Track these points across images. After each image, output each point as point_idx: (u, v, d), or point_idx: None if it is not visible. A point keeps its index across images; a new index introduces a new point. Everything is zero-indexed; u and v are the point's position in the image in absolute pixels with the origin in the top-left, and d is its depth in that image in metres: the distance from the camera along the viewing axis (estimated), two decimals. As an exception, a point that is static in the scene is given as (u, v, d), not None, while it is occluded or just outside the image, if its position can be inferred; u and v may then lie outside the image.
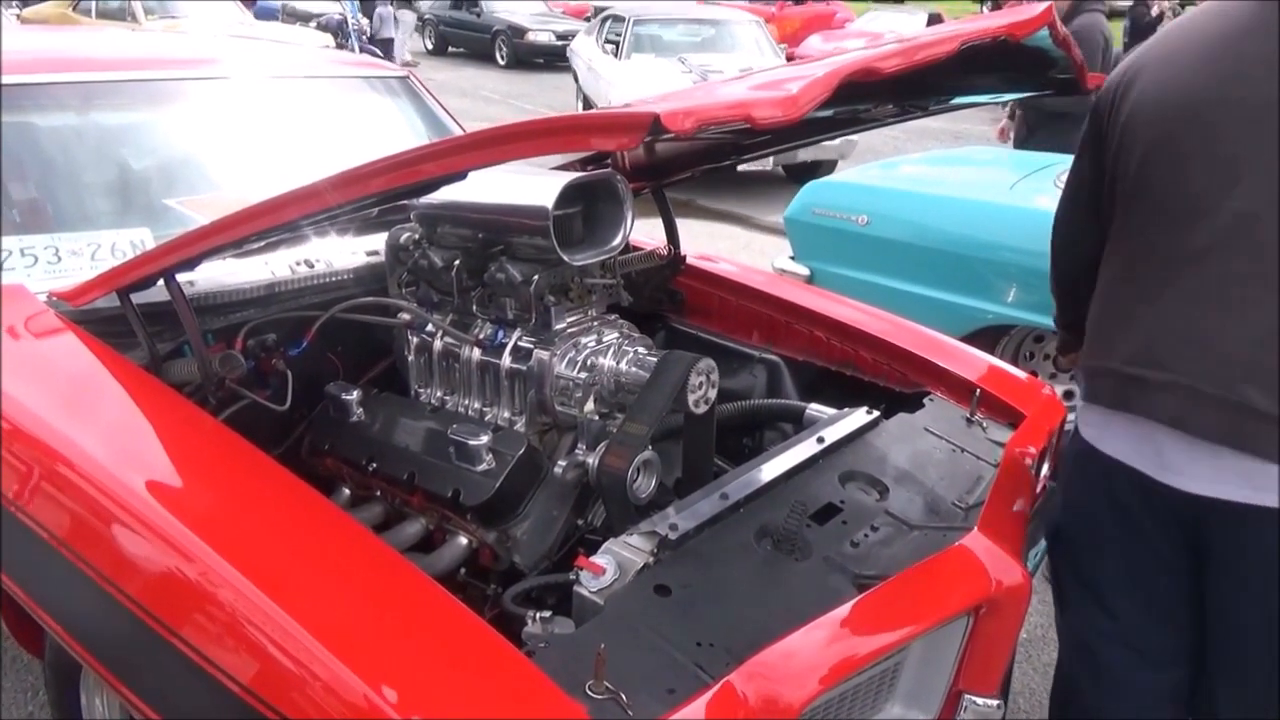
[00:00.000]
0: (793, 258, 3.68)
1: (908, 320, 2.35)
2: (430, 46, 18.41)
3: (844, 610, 1.34)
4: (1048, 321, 3.12)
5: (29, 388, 1.59)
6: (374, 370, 2.13)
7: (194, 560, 1.23)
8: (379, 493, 1.88)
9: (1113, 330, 1.51)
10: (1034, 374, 3.41)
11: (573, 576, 1.39)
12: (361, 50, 12.48)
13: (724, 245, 5.91)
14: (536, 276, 1.80)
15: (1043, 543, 2.10)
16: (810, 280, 3.55)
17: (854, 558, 1.49)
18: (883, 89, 1.50)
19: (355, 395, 1.93)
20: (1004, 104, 4.73)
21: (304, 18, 14.89)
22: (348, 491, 1.95)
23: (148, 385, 1.62)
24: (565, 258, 1.72)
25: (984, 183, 3.51)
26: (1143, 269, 1.47)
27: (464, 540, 1.76)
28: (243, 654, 1.15)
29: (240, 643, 1.16)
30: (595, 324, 1.90)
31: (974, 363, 2.18)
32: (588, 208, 1.86)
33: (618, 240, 1.85)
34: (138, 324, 1.68)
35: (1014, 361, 3.38)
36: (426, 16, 18.25)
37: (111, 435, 1.51)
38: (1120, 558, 1.56)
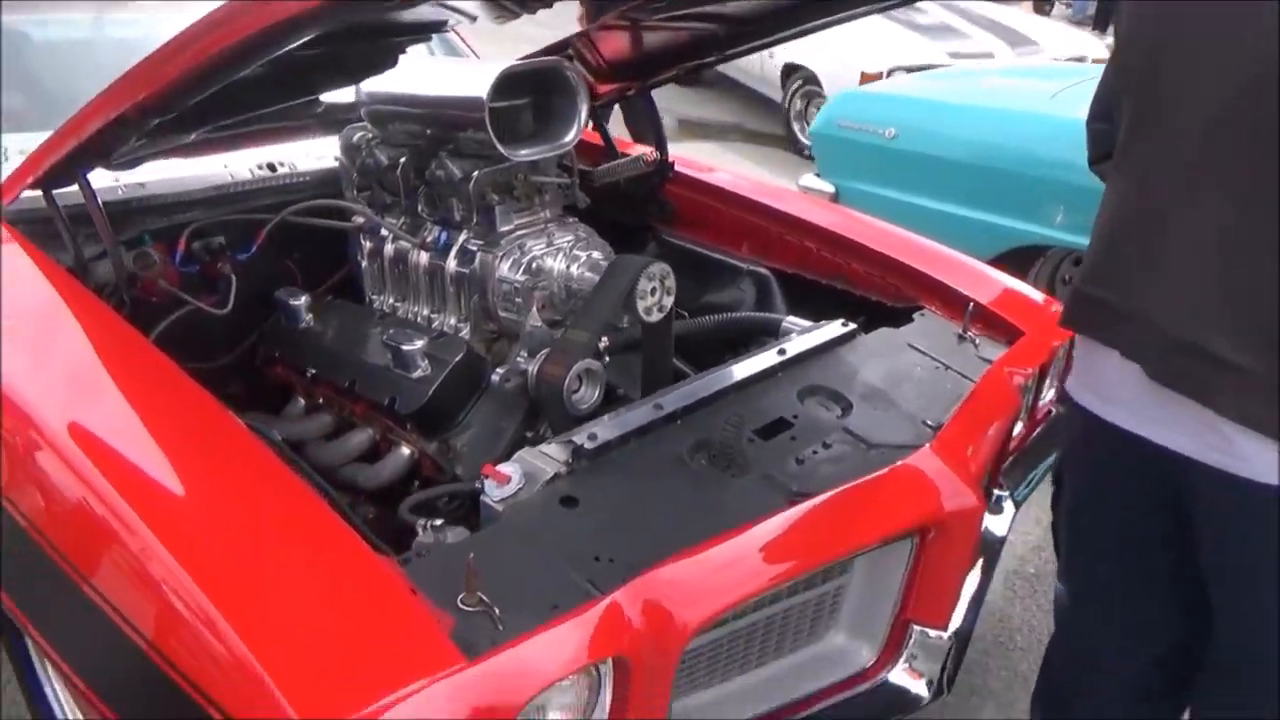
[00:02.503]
0: (818, 174, 3.48)
1: (913, 234, 2.18)
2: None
3: (761, 526, 1.21)
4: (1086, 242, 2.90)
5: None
6: (332, 279, 2.05)
7: (94, 497, 1.12)
8: (325, 402, 1.81)
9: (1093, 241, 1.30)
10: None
11: (478, 485, 1.30)
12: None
13: (771, 171, 5.67)
14: (477, 173, 1.68)
15: (1039, 471, 1.94)
16: (835, 198, 3.35)
17: (796, 475, 1.36)
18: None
19: (303, 301, 1.86)
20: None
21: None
22: (302, 402, 1.89)
23: (71, 289, 1.55)
24: (505, 152, 1.60)
25: (1022, 92, 3.24)
26: (1119, 173, 1.25)
27: (406, 451, 1.68)
28: (130, 592, 1.06)
29: (129, 582, 1.07)
30: (548, 226, 1.78)
31: (974, 276, 2.00)
32: (538, 100, 1.73)
33: (570, 136, 1.72)
34: (61, 222, 1.61)
35: (1050, 287, 3.15)
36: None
37: (26, 345, 1.44)
38: (1105, 515, 1.36)
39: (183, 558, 1.00)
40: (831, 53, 5.34)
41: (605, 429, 1.38)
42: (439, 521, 1.25)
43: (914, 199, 3.19)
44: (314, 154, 2.14)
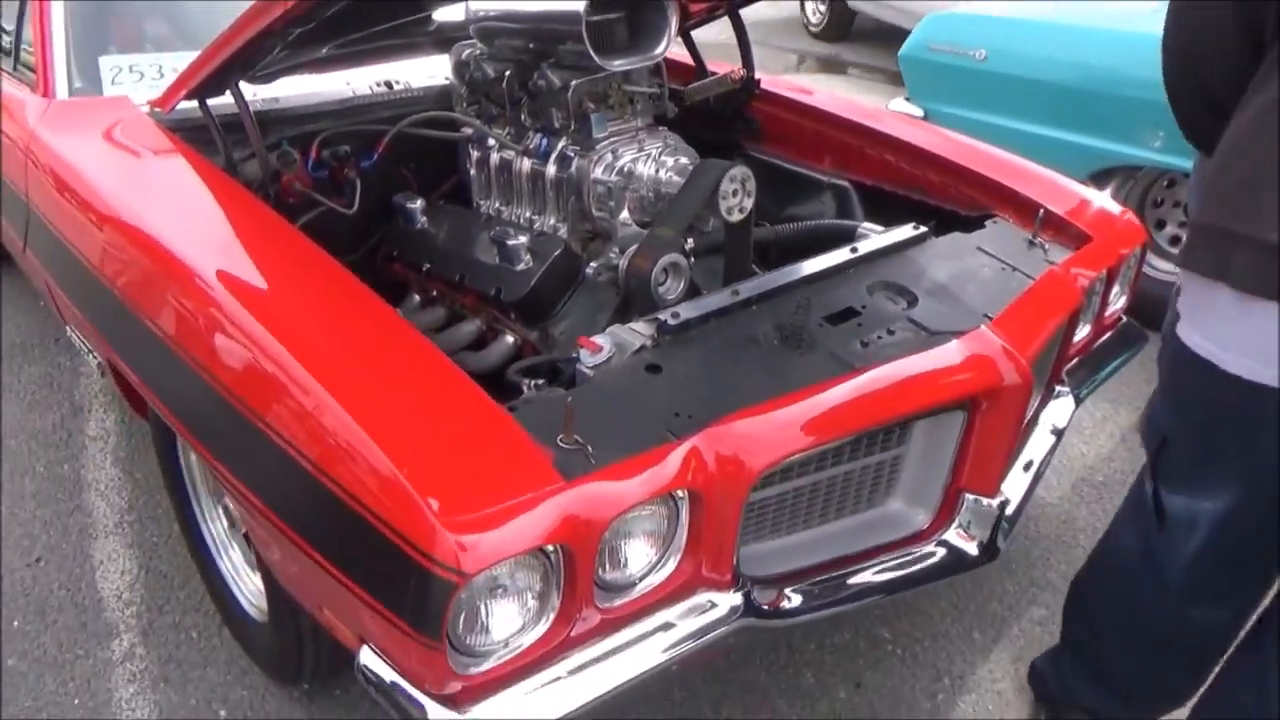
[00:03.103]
0: (908, 98, 3.52)
1: (990, 147, 2.25)
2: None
3: (824, 390, 1.36)
4: (1183, 164, 2.89)
5: (128, 187, 1.79)
6: (444, 186, 2.25)
7: (260, 350, 1.33)
8: (438, 295, 2.02)
9: (1263, 184, 1.14)
10: (1163, 222, 3.18)
11: (574, 354, 1.48)
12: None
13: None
14: (575, 83, 1.83)
15: (1103, 374, 2.02)
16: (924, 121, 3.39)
17: (859, 355, 1.48)
18: None
19: (419, 204, 2.06)
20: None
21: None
22: (416, 297, 2.10)
23: (225, 184, 1.77)
24: (600, 62, 1.75)
25: (1115, 10, 3.20)
26: None
27: (510, 339, 1.87)
28: (303, 431, 1.24)
29: (297, 415, 1.26)
30: (638, 134, 1.93)
31: (1048, 186, 2.07)
32: (632, 15, 1.86)
33: (660, 48, 1.85)
34: (214, 126, 1.84)
35: (1140, 208, 3.16)
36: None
37: (193, 231, 1.66)
38: (1230, 482, 1.30)
39: (340, 398, 1.21)
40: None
41: (687, 309, 1.53)
42: (541, 382, 1.44)
43: (1004, 121, 3.21)
44: (425, 72, 2.33)
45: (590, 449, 1.23)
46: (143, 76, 2.12)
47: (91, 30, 2.17)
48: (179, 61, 2.16)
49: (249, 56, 1.68)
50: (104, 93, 2.10)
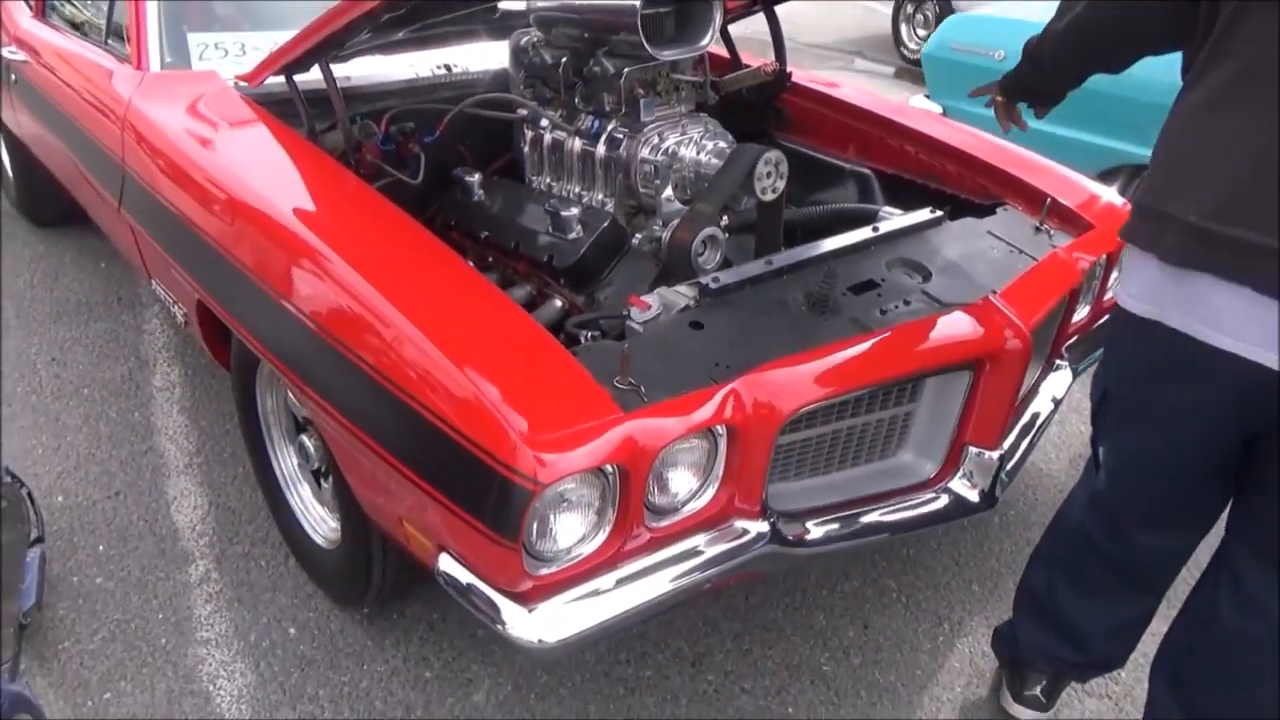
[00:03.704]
0: (928, 95, 3.69)
1: (1003, 140, 2.42)
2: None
3: (846, 346, 1.55)
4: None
5: (225, 152, 1.98)
6: (497, 162, 2.43)
7: (354, 292, 1.52)
8: (493, 261, 2.20)
9: (1193, 170, 1.31)
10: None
11: (625, 312, 1.66)
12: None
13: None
14: (627, 70, 2.01)
15: (1099, 352, 2.20)
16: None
17: (879, 321, 1.67)
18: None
19: (476, 178, 2.24)
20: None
21: None
22: (470, 263, 2.29)
23: (312, 150, 1.96)
24: (652, 52, 1.93)
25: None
26: (1246, 92, 1.25)
27: (558, 303, 2.06)
28: (389, 356, 1.44)
29: (388, 349, 1.44)
30: (682, 120, 2.11)
31: (1056, 178, 2.25)
32: (680, 9, 2.04)
33: (705, 39, 2.03)
34: (299, 100, 2.03)
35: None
36: None
37: (286, 189, 1.85)
38: (1162, 428, 1.45)
39: (429, 332, 1.40)
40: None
41: (726, 275, 1.72)
42: (596, 334, 1.63)
43: (1018, 119, 3.37)
44: (480, 56, 2.52)
45: (643, 389, 1.41)
46: (227, 53, 2.31)
47: (179, 9, 2.36)
48: (259, 40, 2.37)
49: (341, 39, 1.87)
50: (192, 67, 2.29)
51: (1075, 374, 2.08)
